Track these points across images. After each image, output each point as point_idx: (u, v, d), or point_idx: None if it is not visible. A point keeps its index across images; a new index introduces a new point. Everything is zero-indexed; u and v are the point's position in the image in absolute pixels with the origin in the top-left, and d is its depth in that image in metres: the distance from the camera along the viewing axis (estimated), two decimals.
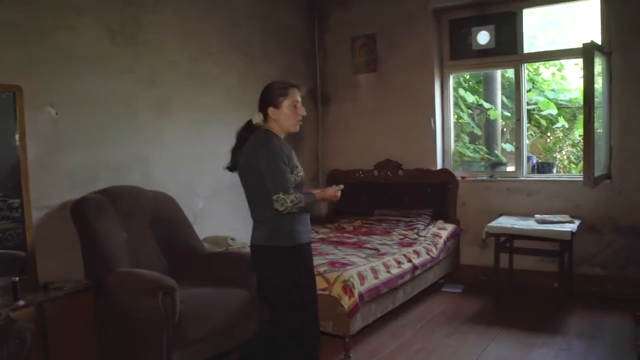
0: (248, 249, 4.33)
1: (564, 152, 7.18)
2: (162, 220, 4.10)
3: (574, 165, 6.93)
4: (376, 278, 4.07)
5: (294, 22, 6.27)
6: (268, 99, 2.91)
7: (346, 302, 3.68)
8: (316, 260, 4.16)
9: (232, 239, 4.66)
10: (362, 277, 3.92)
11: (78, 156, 3.93)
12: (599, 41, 5.05)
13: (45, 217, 3.68)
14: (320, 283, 3.73)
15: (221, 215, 5.15)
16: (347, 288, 3.72)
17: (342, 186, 3.05)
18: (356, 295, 3.75)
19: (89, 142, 4.00)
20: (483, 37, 5.78)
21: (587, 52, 4.62)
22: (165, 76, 4.62)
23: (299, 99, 2.93)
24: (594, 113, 4.62)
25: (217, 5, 5.15)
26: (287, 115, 2.89)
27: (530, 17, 5.79)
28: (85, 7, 3.97)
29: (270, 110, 2.89)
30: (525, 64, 5.75)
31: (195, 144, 4.92)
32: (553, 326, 4.42)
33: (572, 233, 4.69)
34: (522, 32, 5.64)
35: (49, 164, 3.74)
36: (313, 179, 6.48)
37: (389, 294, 4.28)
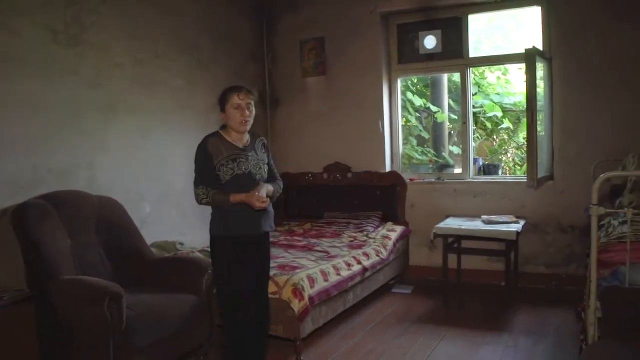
0: (197, 254, 4.32)
1: (509, 155, 7.37)
2: (108, 225, 3.98)
3: (518, 167, 7.12)
4: (326, 280, 4.08)
5: (242, 25, 6.22)
6: (219, 106, 3.26)
7: (296, 306, 3.67)
8: None
9: (181, 243, 4.59)
10: (311, 280, 3.91)
11: (18, 161, 3.78)
12: (540, 47, 5.20)
13: None
14: (270, 287, 3.71)
15: (170, 220, 5.07)
16: (297, 291, 3.72)
17: (265, 200, 3.15)
18: (306, 298, 3.74)
19: (30, 146, 3.86)
20: (430, 42, 5.88)
21: (529, 57, 4.76)
22: (110, 79, 4.51)
23: (239, 101, 3.18)
24: (536, 116, 4.76)
25: (163, 8, 5.05)
26: (231, 117, 3.21)
27: (475, 22, 5.93)
28: (25, 7, 3.83)
29: (221, 115, 3.27)
30: (470, 68, 5.87)
31: (142, 148, 4.82)
32: (500, 324, 4.53)
33: (517, 233, 4.82)
34: (467, 37, 5.77)
35: None
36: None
37: (339, 296, 4.29)
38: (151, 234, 4.60)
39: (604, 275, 3.25)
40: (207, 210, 5.33)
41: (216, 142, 3.21)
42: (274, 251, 4.78)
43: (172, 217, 5.10)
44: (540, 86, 5.12)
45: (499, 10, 5.82)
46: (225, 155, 3.18)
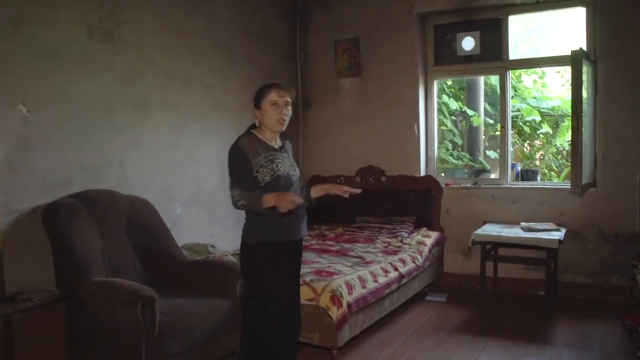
0: (230, 257, 4.21)
1: (544, 159, 7.15)
2: (139, 226, 3.90)
3: (554, 173, 6.91)
4: (364, 287, 3.94)
5: (276, 24, 6.12)
6: (254, 102, 3.05)
7: (334, 313, 3.53)
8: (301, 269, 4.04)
9: (212, 246, 4.48)
10: (350, 287, 3.78)
11: (51, 158, 3.70)
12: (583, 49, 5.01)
13: (14, 222, 3.44)
14: (306, 293, 3.61)
15: (200, 222, 4.97)
16: (336, 298, 3.58)
17: (300, 201, 2.92)
18: (344, 305, 3.60)
19: (62, 143, 3.78)
20: (468, 43, 5.72)
21: (575, 60, 4.58)
22: (145, 76, 4.42)
23: (278, 98, 2.98)
24: (582, 121, 4.57)
25: (197, 4, 4.97)
26: (268, 115, 2.99)
27: (512, 24, 5.73)
28: (62, 1, 3.76)
29: (256, 112, 3.05)
30: (509, 71, 5.69)
31: (174, 147, 4.73)
32: (541, 336, 4.34)
33: (560, 241, 4.63)
34: (507, 39, 5.60)
35: (19, 165, 3.50)
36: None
37: (376, 304, 4.14)
38: (182, 236, 4.51)
39: None
40: (239, 212, 5.29)
41: (252, 142, 2.99)
42: (306, 255, 4.67)
43: (203, 219, 5.00)
44: (583, 90, 4.93)
45: (541, 11, 5.64)
46: (264, 155, 2.97)
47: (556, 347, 4.10)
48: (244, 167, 2.94)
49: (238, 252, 4.42)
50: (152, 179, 4.48)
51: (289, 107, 3.06)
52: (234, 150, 2.98)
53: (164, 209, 4.31)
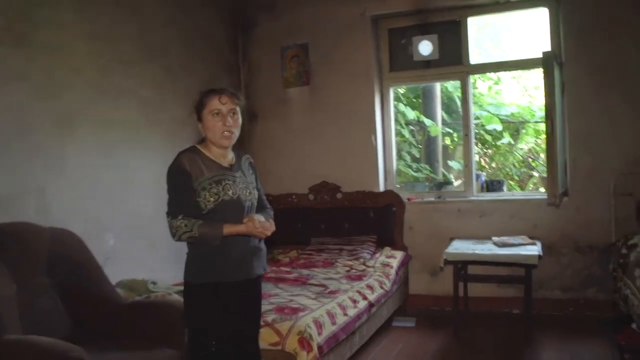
0: (174, 296, 3.61)
1: (505, 170, 6.87)
2: (64, 264, 3.22)
3: (512, 183, 6.62)
4: (334, 324, 3.41)
5: (216, 31, 5.56)
6: (196, 113, 2.63)
7: (304, 359, 2.99)
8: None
9: (153, 282, 3.83)
10: (319, 325, 3.24)
11: None
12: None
13: None
14: (269, 336, 3.09)
15: (138, 254, 4.31)
16: (305, 341, 3.03)
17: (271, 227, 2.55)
18: (315, 348, 3.06)
19: None
20: (425, 47, 5.32)
21: (547, 62, 4.26)
22: (68, 87, 3.78)
23: (220, 106, 2.53)
24: (557, 126, 4.25)
25: (129, 7, 4.38)
26: (209, 128, 2.56)
27: (471, 28, 5.41)
28: None
29: (199, 125, 2.63)
30: (471, 76, 5.35)
31: (104, 170, 4.08)
32: None
33: (539, 256, 4.28)
34: (467, 42, 5.25)
35: None
36: None
37: (346, 340, 3.61)
38: (117, 272, 3.85)
39: None
40: (182, 243, 4.67)
41: (194, 160, 2.53)
42: (262, 286, 4.13)
43: (141, 251, 4.35)
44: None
45: (501, 12, 5.33)
46: (208, 176, 2.52)
47: None
48: (185, 190, 2.49)
49: (182, 289, 3.91)
50: (79, 207, 3.83)
51: (238, 116, 2.58)
52: (173, 170, 2.54)
53: (94, 241, 3.65)
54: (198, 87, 5.01)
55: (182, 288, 3.83)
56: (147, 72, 4.54)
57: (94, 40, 4.01)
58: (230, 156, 2.66)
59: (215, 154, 2.59)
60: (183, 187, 2.49)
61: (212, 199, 2.48)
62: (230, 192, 2.52)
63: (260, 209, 2.72)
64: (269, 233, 2.47)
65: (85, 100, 3.92)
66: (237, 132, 2.58)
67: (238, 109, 2.58)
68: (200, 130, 2.61)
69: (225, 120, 2.51)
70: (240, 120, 2.60)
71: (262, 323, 3.18)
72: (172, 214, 2.49)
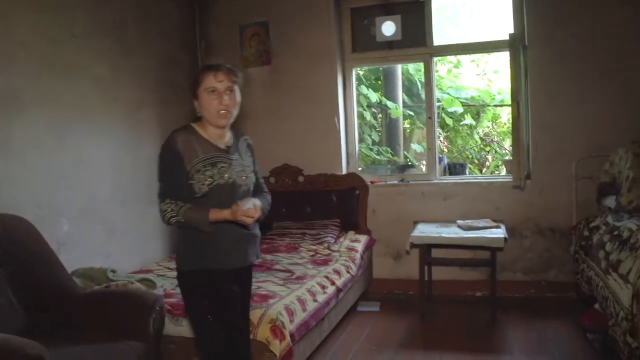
0: (137, 285, 3.43)
1: (465, 153, 6.88)
2: (15, 252, 2.99)
3: (472, 166, 6.64)
4: (304, 310, 3.31)
5: (173, 7, 5.29)
6: (191, 91, 2.47)
7: (277, 348, 2.88)
8: None
9: (113, 271, 3.62)
10: (290, 312, 3.13)
11: None
12: (506, 35, 4.68)
13: None
14: None
15: (95, 240, 4.09)
16: (277, 329, 2.92)
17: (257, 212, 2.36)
18: (287, 336, 2.95)
19: None
20: (388, 28, 5.23)
21: (513, 43, 4.23)
22: (12, 62, 3.49)
23: (216, 83, 2.38)
24: (522, 109, 4.23)
25: None
26: (205, 107, 2.42)
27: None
28: None
29: (195, 104, 2.47)
30: (434, 58, 5.28)
31: (55, 151, 3.82)
32: (495, 343, 4.02)
33: (505, 239, 4.29)
34: (430, 24, 5.16)
35: None
36: None
37: (316, 327, 3.52)
38: (71, 260, 3.64)
39: None
40: (142, 226, 4.45)
41: (189, 140, 2.40)
42: None
43: (97, 236, 4.13)
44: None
45: None
46: (202, 157, 2.38)
47: (515, 356, 3.74)
48: (177, 172, 2.37)
49: (147, 276, 3.72)
50: (29, 191, 3.57)
51: (235, 94, 2.43)
52: (165, 150, 2.41)
53: (46, 227, 3.42)
54: (154, 65, 4.87)
55: (143, 276, 3.71)
56: (101, 47, 4.27)
57: (41, 11, 3.72)
58: (228, 137, 2.52)
59: (212, 134, 2.46)
60: (174, 168, 2.37)
61: (206, 182, 2.36)
62: (225, 176, 2.40)
63: (257, 192, 2.60)
64: (250, 221, 2.32)
65: (32, 75, 3.64)
66: (234, 111, 2.45)
67: (236, 86, 2.43)
68: (196, 109, 2.47)
69: (221, 99, 2.38)
70: (238, 98, 2.45)
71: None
72: (160, 196, 2.39)
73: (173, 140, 2.38)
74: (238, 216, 2.27)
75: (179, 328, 3.12)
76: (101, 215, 4.18)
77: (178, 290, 3.50)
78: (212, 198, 2.36)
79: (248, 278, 2.64)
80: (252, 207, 2.30)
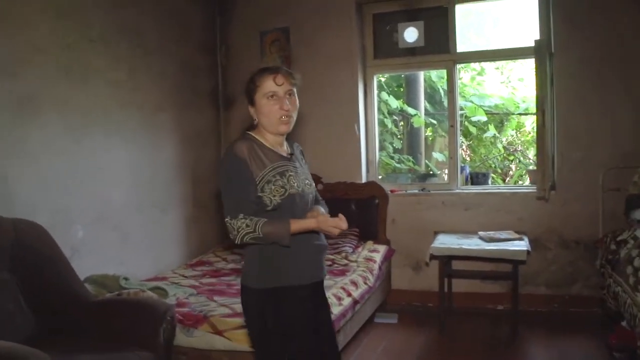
0: (148, 293, 3.38)
1: (488, 162, 6.74)
2: (28, 258, 2.99)
3: (495, 176, 6.50)
4: None
5: (192, 12, 5.27)
6: (247, 98, 2.35)
7: None
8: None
9: (126, 279, 3.58)
10: None
11: None
12: (531, 42, 4.56)
13: None
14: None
15: (108, 246, 4.06)
16: None
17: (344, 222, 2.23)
18: None
19: None
20: (410, 34, 5.14)
21: (539, 50, 4.11)
22: (30, 66, 3.48)
23: (276, 87, 2.25)
24: (547, 118, 4.11)
25: None
26: (265, 113, 2.28)
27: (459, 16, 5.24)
28: None
29: (250, 110, 2.36)
30: (457, 65, 5.18)
31: (72, 156, 3.81)
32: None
33: (528, 252, 4.16)
34: (454, 30, 5.06)
35: None
36: (216, 196, 5.51)
37: None
38: (85, 266, 3.62)
39: None
40: (156, 232, 4.41)
41: (253, 149, 2.24)
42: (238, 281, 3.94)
43: (112, 243, 4.10)
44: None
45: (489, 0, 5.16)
46: (270, 167, 2.24)
47: None
48: (246, 184, 2.20)
49: (160, 285, 3.66)
50: (44, 196, 3.56)
51: (295, 98, 2.31)
52: (230, 161, 2.22)
53: (61, 233, 3.40)
54: (173, 69, 4.84)
55: (155, 284, 3.66)
56: (119, 51, 4.26)
57: (59, 16, 3.71)
58: (286, 145, 2.40)
59: (272, 142, 2.33)
60: (243, 180, 2.20)
61: (278, 193, 2.21)
62: (295, 185, 2.26)
63: (316, 201, 2.49)
64: (337, 232, 2.20)
65: (49, 80, 3.64)
66: (295, 116, 2.32)
67: (295, 89, 2.31)
68: (253, 116, 2.34)
69: (282, 104, 2.25)
70: (297, 103, 2.33)
71: (242, 323, 3.00)
72: (230, 212, 2.17)
73: (238, 150, 2.22)
74: (327, 226, 2.15)
75: (191, 339, 3.08)
76: (116, 221, 4.15)
77: (191, 299, 3.53)
78: (285, 209, 2.22)
79: (323, 294, 2.49)
80: (339, 218, 2.18)
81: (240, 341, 2.95)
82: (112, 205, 4.15)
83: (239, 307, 3.21)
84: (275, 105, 2.24)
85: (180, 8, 5.06)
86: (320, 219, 2.17)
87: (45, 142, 3.59)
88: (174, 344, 3.01)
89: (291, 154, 2.37)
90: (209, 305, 3.37)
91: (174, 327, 2.98)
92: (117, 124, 4.23)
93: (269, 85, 2.25)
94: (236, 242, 2.17)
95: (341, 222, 2.17)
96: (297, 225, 2.16)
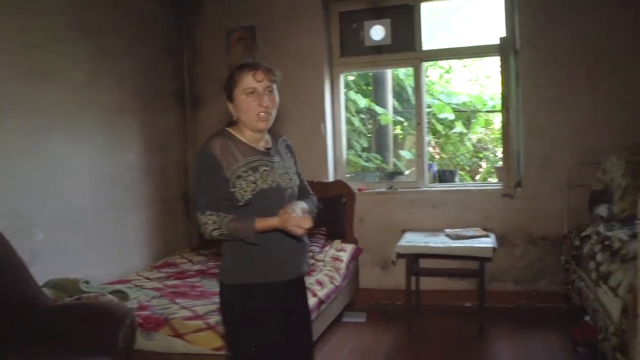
0: (108, 297, 3.31)
1: (456, 160, 6.77)
2: None
3: (463, 173, 6.53)
4: None
5: (158, 11, 5.19)
6: (226, 93, 2.32)
7: None
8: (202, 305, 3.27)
9: (86, 282, 3.50)
10: None
11: None
12: (498, 39, 4.59)
13: None
14: (211, 341, 2.91)
15: (71, 249, 3.97)
16: None
17: (307, 222, 2.14)
18: None
19: None
20: (377, 33, 5.13)
21: (504, 48, 4.12)
22: None
23: (255, 84, 2.25)
24: (512, 115, 4.13)
25: None
26: (243, 110, 2.26)
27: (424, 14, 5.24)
28: None
29: (229, 106, 2.33)
30: (424, 63, 5.19)
31: (32, 157, 3.72)
32: (483, 357, 3.94)
33: (494, 249, 4.18)
34: (420, 28, 5.08)
35: None
36: (182, 197, 5.45)
37: None
38: (46, 270, 3.55)
39: None
40: (121, 234, 4.34)
41: (226, 145, 2.24)
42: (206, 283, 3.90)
43: (75, 246, 4.01)
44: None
45: None
46: (243, 162, 2.23)
47: None
48: (216, 180, 2.20)
49: (122, 288, 3.59)
50: (3, 199, 3.47)
51: (275, 95, 2.31)
52: (201, 157, 2.24)
53: (19, 237, 3.31)
54: (137, 70, 4.76)
55: (116, 287, 3.59)
56: (81, 51, 4.18)
57: (19, 14, 3.62)
58: (266, 139, 2.38)
59: (250, 137, 2.31)
60: (213, 176, 2.21)
61: (249, 189, 2.20)
62: (269, 180, 2.24)
63: (303, 195, 2.46)
64: (301, 232, 2.12)
65: (9, 80, 3.55)
66: (274, 113, 2.31)
67: (275, 86, 2.32)
68: (232, 112, 2.32)
69: (261, 100, 2.24)
70: (277, 99, 2.33)
71: (203, 325, 2.97)
72: (200, 208, 2.19)
73: (210, 146, 2.22)
74: (289, 226, 2.09)
75: (151, 343, 3.03)
76: (79, 223, 4.07)
77: (153, 302, 3.48)
78: (257, 205, 2.19)
79: (303, 290, 2.46)
80: (303, 216, 2.11)
81: (200, 344, 2.91)
82: (75, 207, 4.06)
83: (201, 310, 3.21)
84: (254, 101, 2.24)
85: (144, 8, 4.98)
86: (284, 217, 2.12)
87: (4, 144, 3.50)
88: (134, 348, 2.95)
89: (268, 149, 2.34)
90: (171, 308, 3.32)
91: (134, 331, 2.92)
92: (79, 125, 4.15)
93: (248, 81, 2.24)
94: (205, 236, 2.17)
95: (303, 222, 2.11)
96: (261, 223, 2.14)
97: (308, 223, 2.11)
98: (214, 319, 3.01)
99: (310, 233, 4.86)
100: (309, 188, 2.57)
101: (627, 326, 2.65)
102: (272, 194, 2.23)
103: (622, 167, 3.98)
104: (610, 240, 3.54)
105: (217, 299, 3.29)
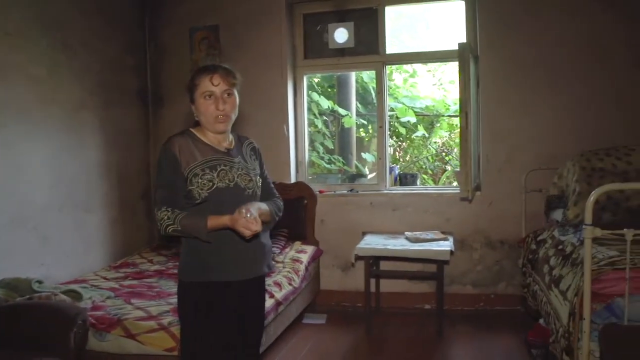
0: (60, 296, 3.25)
1: (419, 163, 6.84)
2: None
3: (426, 177, 6.60)
4: None
5: (121, 7, 5.13)
6: (188, 95, 2.36)
7: None
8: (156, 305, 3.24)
9: (39, 282, 3.41)
10: None
11: None
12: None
13: None
14: (163, 342, 2.86)
15: (27, 249, 3.89)
16: None
17: (258, 222, 2.15)
18: None
19: None
20: (340, 35, 5.16)
21: (462, 53, 4.18)
22: None
23: (213, 87, 2.27)
24: (471, 120, 4.19)
25: None
26: (202, 112, 2.31)
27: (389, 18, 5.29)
28: None
29: (192, 108, 2.36)
30: (387, 66, 5.23)
31: None
32: (440, 358, 3.94)
33: (451, 252, 4.23)
34: (383, 31, 5.11)
35: None
36: (143, 197, 5.38)
37: None
38: (1, 270, 3.46)
39: (596, 310, 2.66)
40: (79, 233, 4.27)
41: (187, 144, 2.29)
42: (162, 284, 3.86)
43: (31, 245, 3.93)
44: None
45: (419, 2, 5.24)
46: (201, 160, 2.27)
47: None
48: (174, 177, 2.26)
49: (75, 288, 3.53)
50: None
51: (234, 97, 2.33)
52: (161, 155, 2.30)
53: None
54: (98, 66, 4.69)
55: (70, 287, 3.53)
56: (39, 47, 4.09)
57: None
58: (229, 140, 2.41)
59: (212, 138, 2.36)
60: (170, 174, 2.25)
61: (205, 187, 2.23)
62: (226, 179, 2.27)
63: (266, 197, 2.46)
64: (249, 234, 2.12)
65: None
66: (233, 115, 2.34)
67: (234, 89, 2.33)
68: (194, 113, 2.35)
69: (217, 104, 2.26)
70: (237, 101, 2.35)
71: (156, 326, 2.94)
72: (157, 203, 2.23)
73: (170, 144, 2.27)
74: (238, 226, 2.10)
75: (103, 343, 2.97)
76: (36, 222, 3.99)
77: (108, 302, 3.43)
78: (214, 203, 2.21)
79: (259, 292, 2.47)
80: (253, 218, 2.11)
81: (153, 345, 2.87)
82: (32, 205, 3.98)
83: (155, 310, 3.18)
84: (211, 105, 2.26)
85: (107, 3, 4.91)
86: (234, 217, 2.13)
87: None
88: (87, 349, 2.91)
89: (228, 149, 2.36)
90: (125, 308, 3.27)
91: (86, 331, 2.88)
92: (37, 122, 4.07)
93: (206, 85, 2.26)
94: (161, 232, 2.20)
95: (252, 224, 2.11)
96: (213, 221, 2.16)
97: (257, 226, 2.12)
98: (168, 319, 2.98)
99: (271, 234, 4.89)
100: (275, 191, 2.58)
101: (573, 329, 2.71)
102: (229, 193, 2.26)
103: (576, 172, 4.05)
104: (564, 245, 3.61)
105: (172, 300, 3.30)
